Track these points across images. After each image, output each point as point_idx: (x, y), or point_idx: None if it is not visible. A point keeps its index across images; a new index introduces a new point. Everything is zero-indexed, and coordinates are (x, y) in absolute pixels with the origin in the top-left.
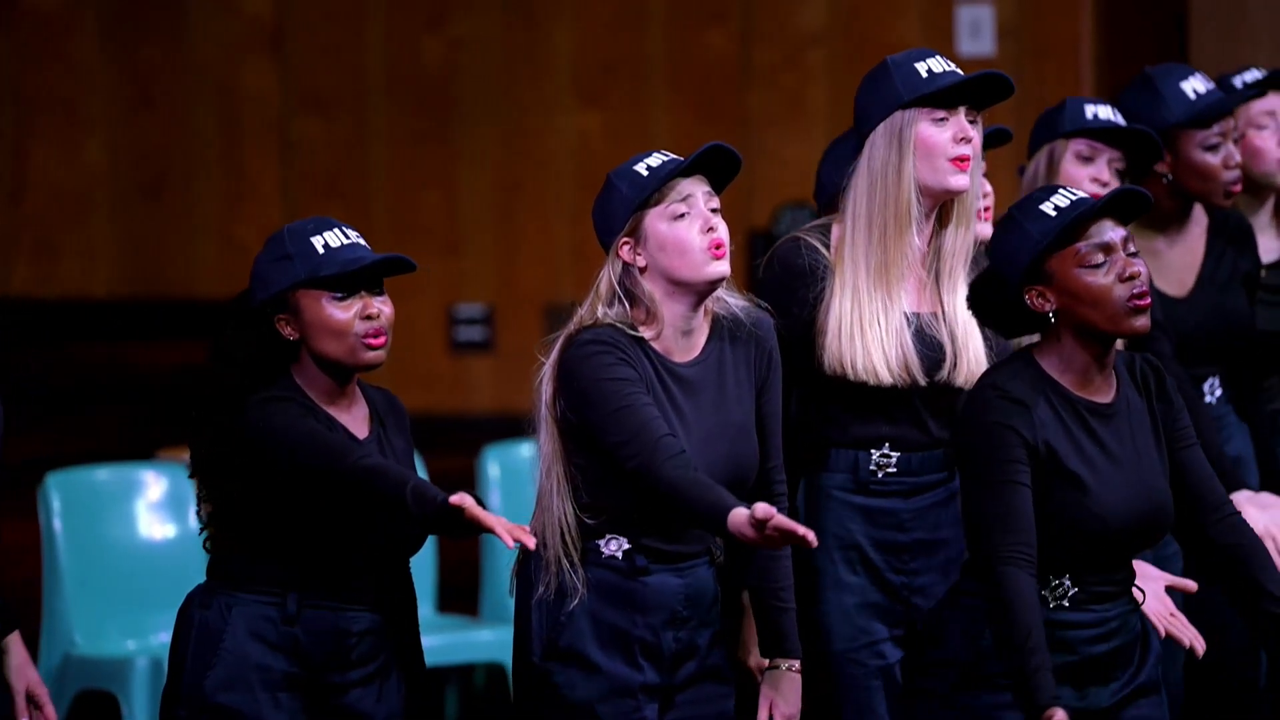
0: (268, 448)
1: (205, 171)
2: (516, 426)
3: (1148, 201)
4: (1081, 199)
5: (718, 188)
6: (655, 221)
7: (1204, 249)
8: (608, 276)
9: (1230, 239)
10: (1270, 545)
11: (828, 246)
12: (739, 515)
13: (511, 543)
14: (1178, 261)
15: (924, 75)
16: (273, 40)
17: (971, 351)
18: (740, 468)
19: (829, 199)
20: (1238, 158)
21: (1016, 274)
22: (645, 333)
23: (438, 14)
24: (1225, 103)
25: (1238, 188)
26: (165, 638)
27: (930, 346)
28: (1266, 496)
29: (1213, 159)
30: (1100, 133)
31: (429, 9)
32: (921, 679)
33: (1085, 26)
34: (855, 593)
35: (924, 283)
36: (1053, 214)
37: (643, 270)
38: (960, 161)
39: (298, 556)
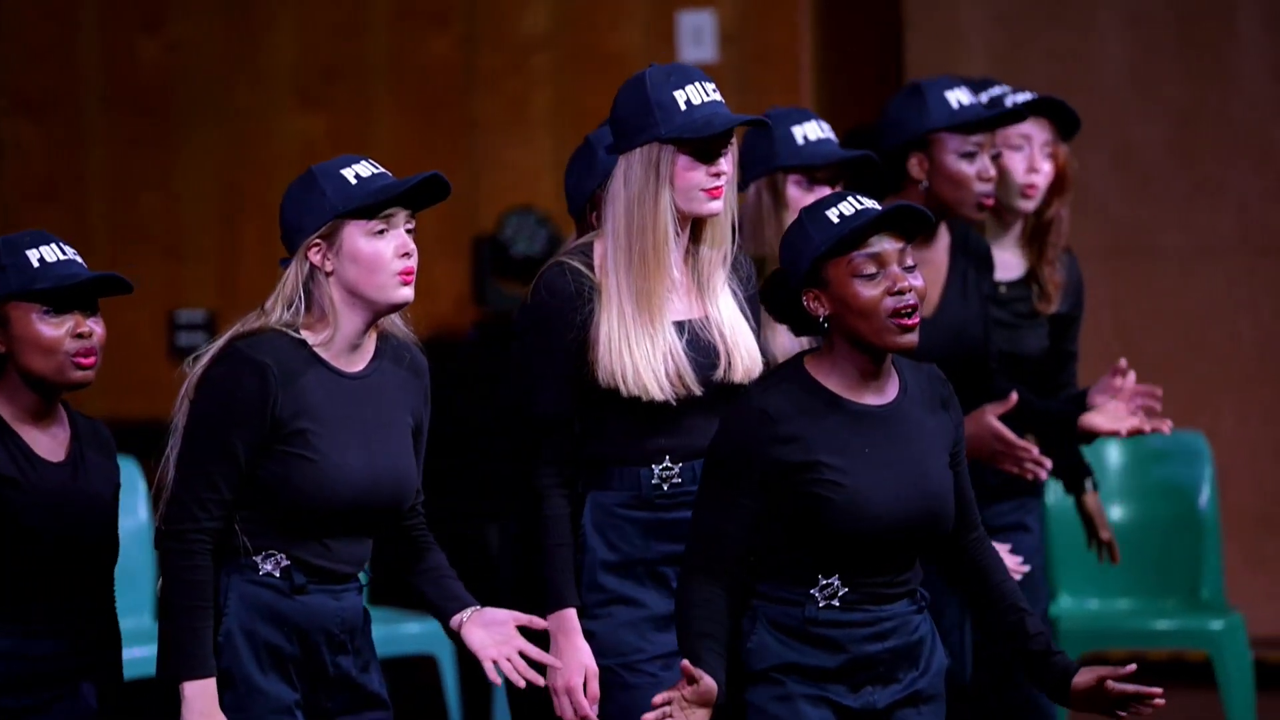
0: None
1: None
2: None
3: (930, 222)
4: (866, 209)
5: (418, 209)
6: (353, 233)
7: (947, 268)
8: (294, 278)
9: (971, 259)
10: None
11: (591, 267)
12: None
13: None
14: (924, 280)
15: (683, 108)
16: None
17: (743, 348)
18: (401, 486)
19: (579, 210)
20: (992, 171)
21: (797, 278)
22: (312, 339)
23: (154, 16)
24: (987, 115)
25: (990, 201)
26: None
27: (703, 351)
28: None
29: (968, 167)
30: (821, 165)
31: (145, 11)
32: None
33: (804, 33)
34: (643, 606)
35: (689, 289)
36: (835, 221)
37: (328, 275)
38: (714, 190)
39: None
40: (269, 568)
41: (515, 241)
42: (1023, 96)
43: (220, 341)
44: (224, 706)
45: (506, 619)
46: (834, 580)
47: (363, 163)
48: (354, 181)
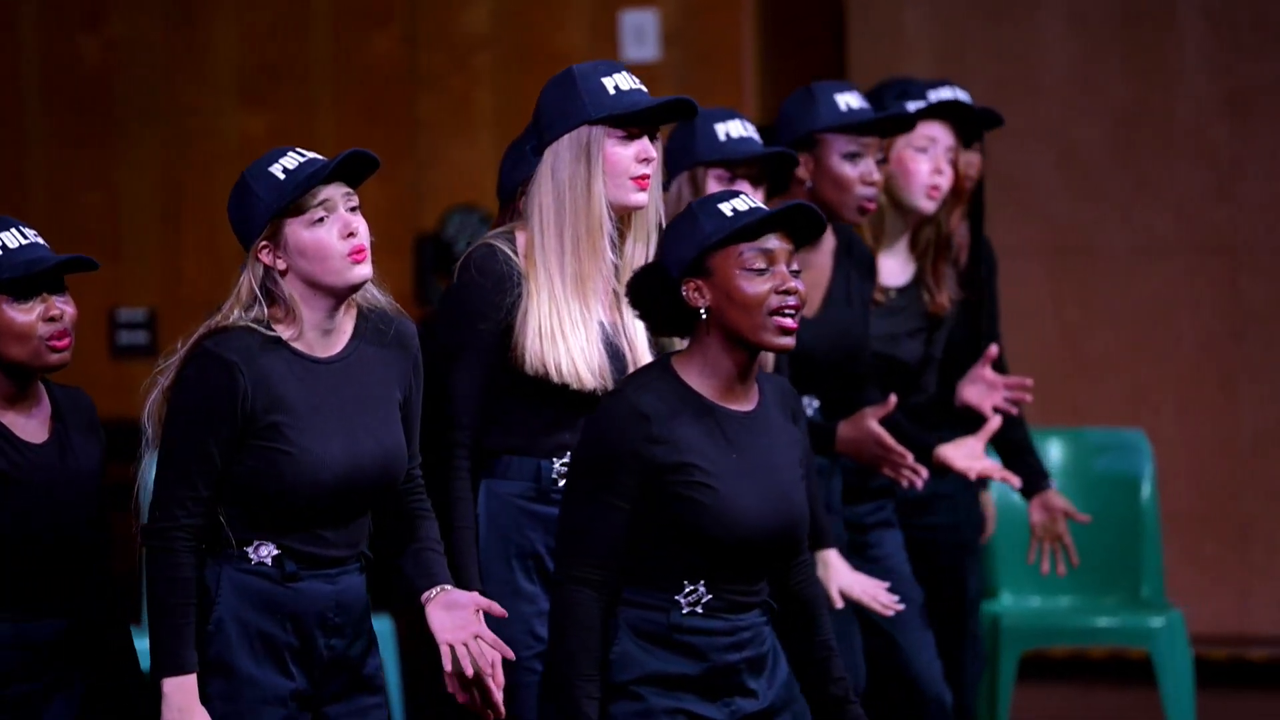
0: None
1: None
2: None
3: (822, 226)
4: (760, 207)
5: (355, 183)
6: (294, 227)
7: (831, 270)
8: (248, 280)
9: (855, 264)
10: (872, 604)
11: (516, 253)
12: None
13: None
14: (808, 281)
15: (611, 93)
16: None
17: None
18: (389, 464)
19: (508, 199)
20: (876, 176)
21: (679, 265)
22: (284, 331)
23: (94, 14)
24: (873, 119)
25: (871, 205)
26: None
27: (615, 356)
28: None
29: (851, 170)
30: (741, 160)
31: (85, 8)
32: None
33: (747, 33)
34: (533, 601)
35: (607, 292)
36: (729, 214)
37: (283, 273)
38: (642, 179)
39: None
40: (260, 556)
41: (457, 240)
42: (914, 103)
43: (189, 343)
44: (215, 695)
45: (468, 602)
46: (699, 586)
47: (289, 154)
48: (283, 176)
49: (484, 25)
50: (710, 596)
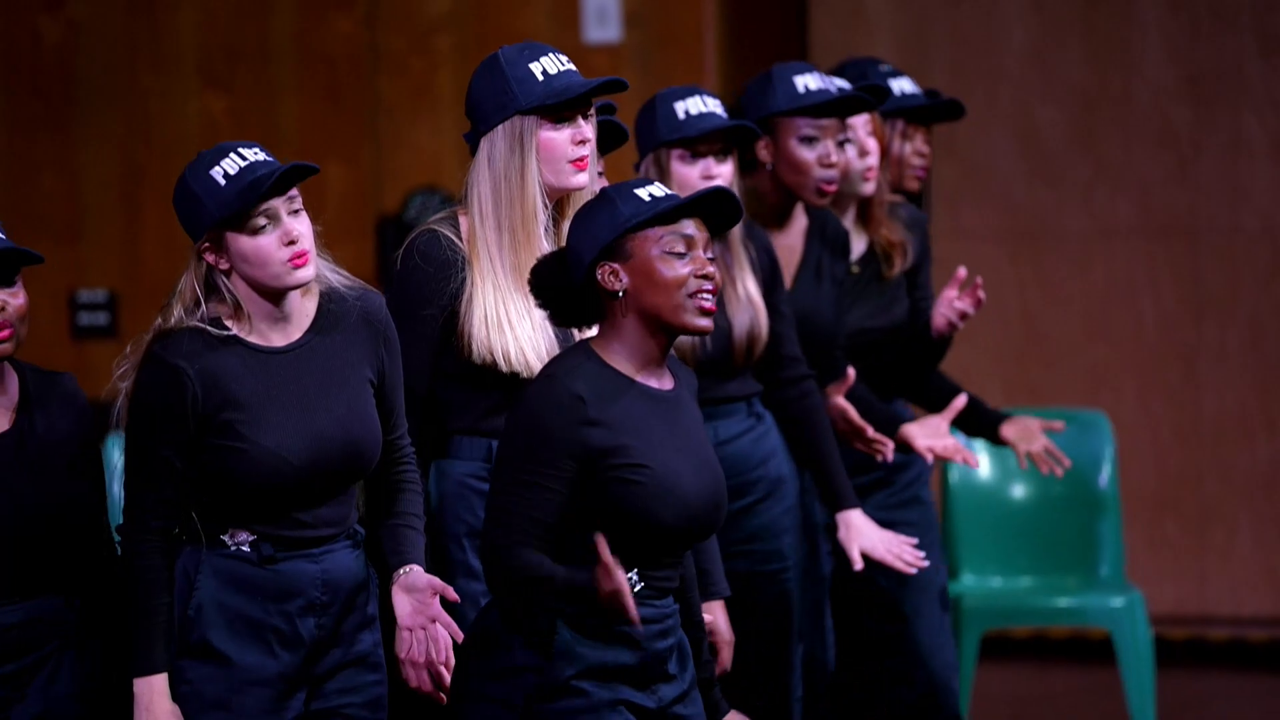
0: None
1: None
2: None
3: (739, 213)
4: (676, 194)
5: (297, 181)
6: (236, 236)
7: (802, 250)
8: (190, 281)
9: (828, 243)
10: (896, 563)
11: (460, 238)
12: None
13: None
14: (781, 261)
15: (540, 78)
16: None
17: None
18: (358, 453)
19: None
20: (834, 157)
21: (594, 249)
22: (235, 326)
23: None
24: (828, 101)
25: (831, 188)
26: None
27: (567, 340)
28: (859, 517)
29: (807, 153)
30: (699, 137)
31: None
32: (491, 685)
33: (709, 14)
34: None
35: None
36: (646, 199)
37: (226, 272)
38: (579, 161)
39: None
40: (237, 542)
41: (419, 222)
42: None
43: (140, 347)
44: (198, 679)
45: (425, 585)
46: (632, 575)
47: (230, 156)
48: (224, 183)
49: (445, 7)
50: (642, 585)
